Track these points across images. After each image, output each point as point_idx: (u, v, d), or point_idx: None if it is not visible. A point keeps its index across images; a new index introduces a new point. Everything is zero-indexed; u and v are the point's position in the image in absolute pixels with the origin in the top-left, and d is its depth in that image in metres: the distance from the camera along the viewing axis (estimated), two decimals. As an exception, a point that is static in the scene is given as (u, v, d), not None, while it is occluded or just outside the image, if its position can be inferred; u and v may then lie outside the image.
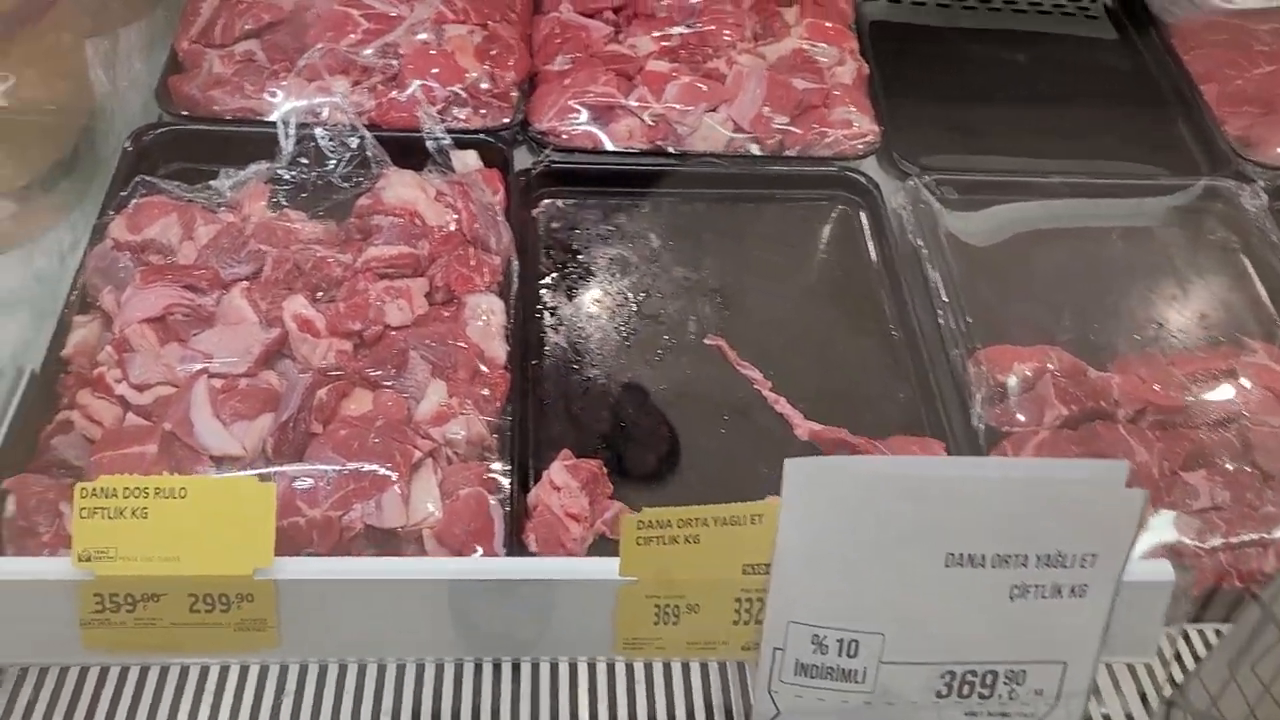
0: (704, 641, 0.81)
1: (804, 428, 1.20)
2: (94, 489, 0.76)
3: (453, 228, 1.26)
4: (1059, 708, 0.82)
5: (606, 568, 0.78)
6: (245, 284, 1.18)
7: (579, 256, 1.39)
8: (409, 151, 1.36)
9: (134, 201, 1.26)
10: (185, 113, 1.41)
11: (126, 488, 0.75)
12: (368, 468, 1.03)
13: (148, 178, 1.29)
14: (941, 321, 1.30)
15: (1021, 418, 1.19)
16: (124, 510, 0.76)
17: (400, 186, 1.27)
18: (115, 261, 1.19)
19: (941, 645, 0.79)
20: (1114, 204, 1.50)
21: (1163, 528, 1.11)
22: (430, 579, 0.76)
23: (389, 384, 1.11)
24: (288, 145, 1.35)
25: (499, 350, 1.18)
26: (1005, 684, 0.81)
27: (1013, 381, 1.22)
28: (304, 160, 1.35)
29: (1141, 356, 1.28)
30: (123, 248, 1.21)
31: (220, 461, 1.03)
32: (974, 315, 1.32)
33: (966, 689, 0.81)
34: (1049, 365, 1.24)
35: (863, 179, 1.46)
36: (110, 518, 0.76)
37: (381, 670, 0.93)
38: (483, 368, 1.16)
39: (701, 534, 0.77)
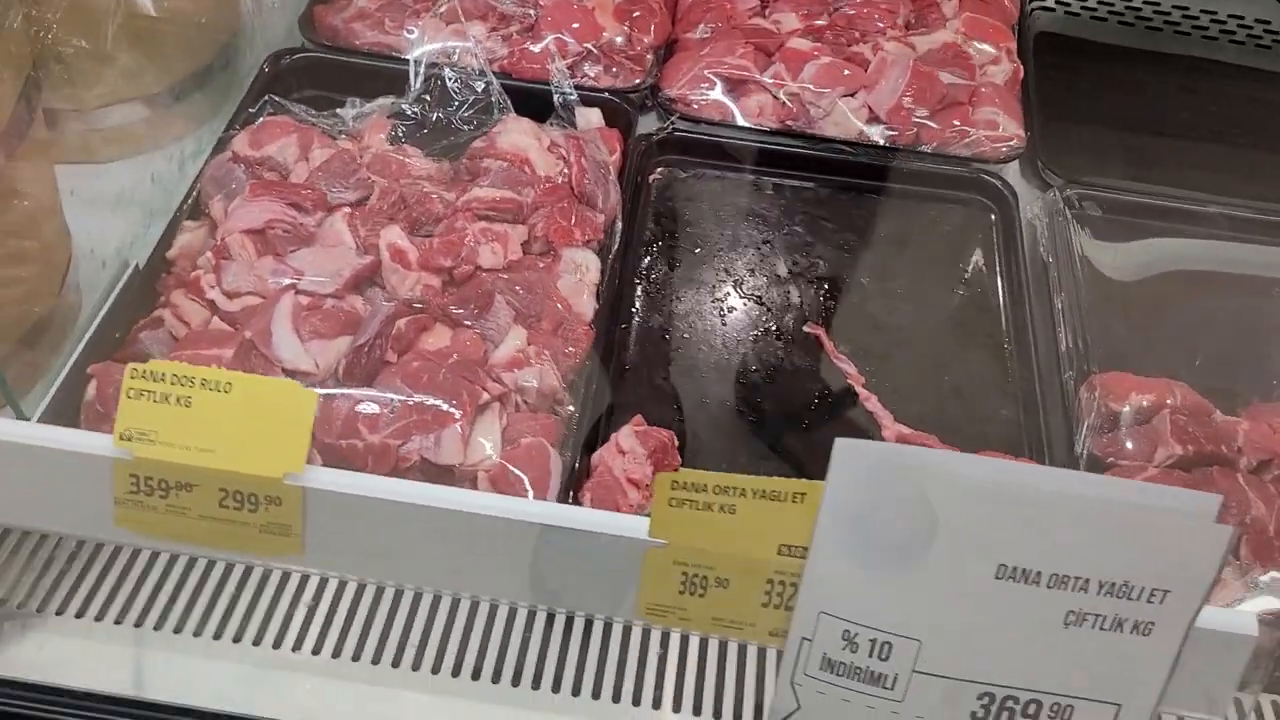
0: (730, 620, 0.77)
1: (892, 429, 1.14)
2: (144, 371, 0.76)
3: (560, 180, 1.24)
4: (1107, 754, 0.75)
5: (635, 525, 0.74)
6: (349, 210, 1.18)
7: (689, 228, 1.35)
8: (534, 103, 1.34)
9: (260, 120, 1.29)
10: (325, 42, 1.43)
11: (175, 374, 0.76)
12: (432, 401, 1.01)
13: (277, 98, 1.32)
14: (1061, 342, 1.22)
15: (1130, 449, 1.11)
16: (169, 396, 0.76)
17: (515, 133, 1.26)
18: (230, 173, 1.21)
19: (982, 664, 0.73)
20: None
21: (1271, 588, 1.01)
22: (453, 509, 0.74)
23: (470, 324, 1.10)
24: (416, 83, 1.35)
25: (587, 307, 1.16)
26: (1049, 717, 0.75)
27: (1126, 411, 1.13)
28: (429, 99, 1.35)
29: (1278, 406, 1.17)
30: (240, 161, 1.23)
31: (292, 375, 1.03)
32: (1097, 341, 1.23)
33: (1005, 716, 0.75)
34: (1170, 400, 1.14)
35: (999, 184, 1.39)
36: (155, 401, 0.76)
37: (398, 595, 0.93)
38: (568, 322, 1.14)
39: (739, 504, 0.73)
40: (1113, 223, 1.37)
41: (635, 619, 0.77)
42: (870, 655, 0.74)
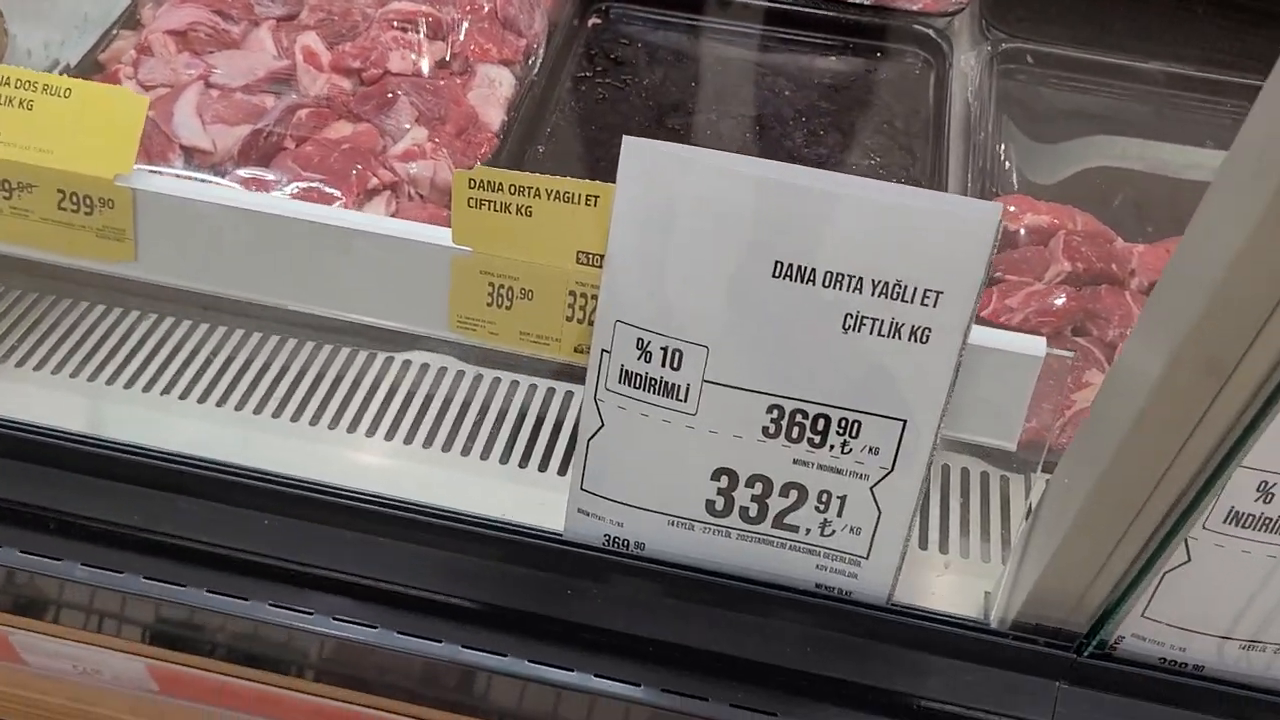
0: (536, 334, 0.79)
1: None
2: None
3: (485, 3, 1.26)
4: (896, 472, 0.76)
5: (440, 234, 0.77)
6: (274, 22, 1.22)
7: (621, 67, 1.37)
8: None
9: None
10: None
11: (18, 79, 0.80)
12: (319, 182, 1.05)
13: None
14: (972, 170, 1.22)
15: (1020, 264, 1.10)
16: (12, 100, 0.80)
17: (446, -41, 1.29)
18: (166, -14, 1.26)
19: (769, 373, 0.74)
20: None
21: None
22: (273, 214, 0.77)
23: (372, 120, 1.13)
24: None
25: (494, 117, 1.18)
26: (838, 434, 0.75)
27: (1023, 231, 1.13)
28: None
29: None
30: (178, -23, 1.27)
31: (189, 153, 1.08)
32: (1010, 171, 1.23)
33: (796, 431, 0.76)
34: (1069, 224, 1.14)
35: (933, 34, 1.38)
36: (1, 105, 0.80)
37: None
38: (473, 128, 1.16)
39: (535, 206, 0.75)
40: (1045, 75, 1.36)
41: (448, 332, 0.79)
42: (663, 365, 0.76)
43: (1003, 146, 1.26)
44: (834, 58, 1.41)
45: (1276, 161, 0.49)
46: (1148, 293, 1.09)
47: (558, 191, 0.74)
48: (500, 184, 0.74)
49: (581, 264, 0.76)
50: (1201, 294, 0.54)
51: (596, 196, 0.74)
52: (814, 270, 0.71)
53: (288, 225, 0.78)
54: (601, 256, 0.75)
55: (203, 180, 1.04)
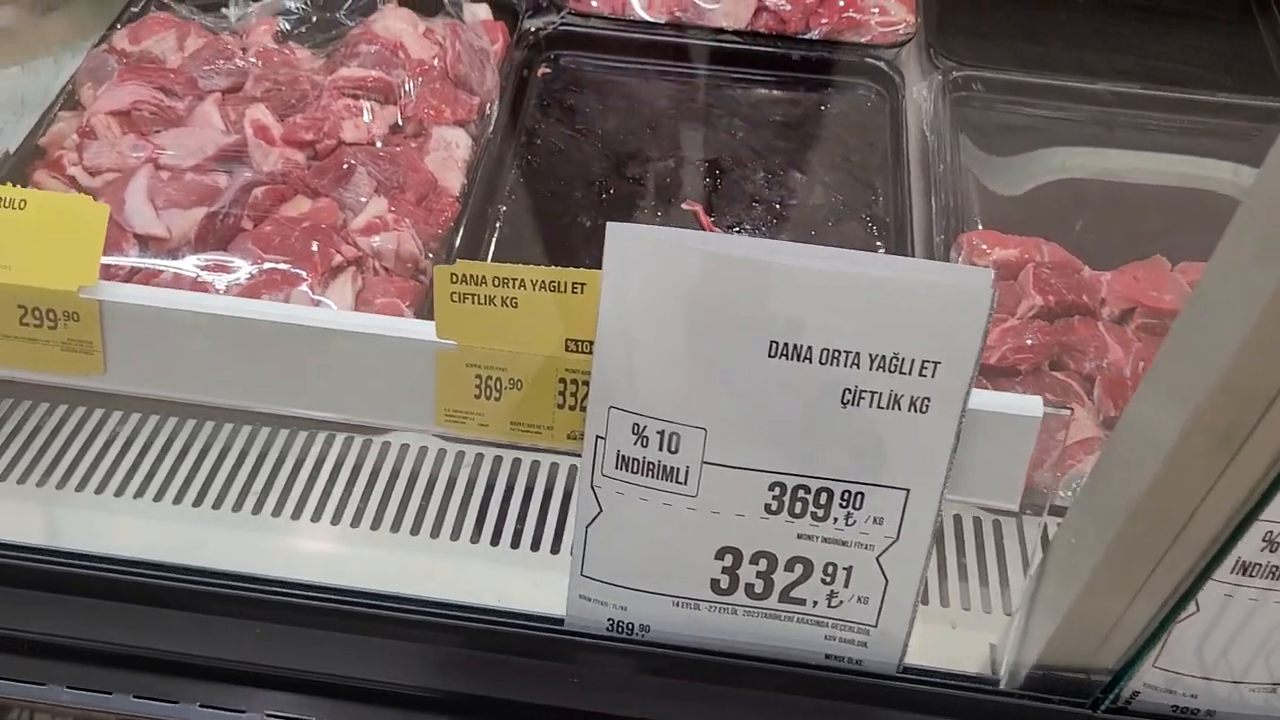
0: (527, 423, 0.77)
1: (759, 293, 1.14)
2: (-58, 194, 0.77)
3: (435, 63, 1.24)
4: (902, 541, 0.75)
5: (423, 328, 0.75)
6: (219, 95, 1.19)
7: (575, 116, 1.36)
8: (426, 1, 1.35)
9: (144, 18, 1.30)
10: (214, -52, 1.44)
11: (-31, 193, 0.77)
12: (283, 264, 1.02)
13: (161, -1, 1.33)
14: (935, 206, 1.22)
15: (991, 303, 1.10)
16: (-35, 215, 0.77)
17: (391, 19, 1.27)
18: (105, 64, 1.22)
19: (768, 451, 0.73)
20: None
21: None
22: (246, 317, 0.75)
23: (329, 194, 1.11)
24: (301, -18, 1.36)
25: (453, 181, 1.17)
26: (841, 506, 0.75)
27: (991, 268, 1.13)
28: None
29: (1148, 261, 1.17)
30: (116, 53, 1.24)
31: (145, 241, 1.05)
32: (971, 206, 1.24)
33: (799, 506, 0.75)
34: (1036, 256, 1.14)
35: (885, 66, 1.39)
36: (-48, 224, 0.77)
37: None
38: (434, 195, 1.14)
39: (520, 297, 0.73)
40: (996, 101, 1.37)
41: (435, 427, 0.77)
42: (661, 449, 0.74)
43: (964, 178, 1.26)
44: (785, 94, 1.41)
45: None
46: (1119, 321, 1.10)
47: (543, 281, 0.72)
48: (483, 276, 0.72)
49: (571, 351, 0.75)
50: (1212, 372, 0.54)
51: (583, 284, 0.72)
52: (810, 349, 0.70)
53: (264, 328, 0.75)
54: (591, 343, 0.73)
55: (162, 267, 1.02)
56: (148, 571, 0.81)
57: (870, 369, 0.70)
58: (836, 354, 0.70)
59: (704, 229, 1.23)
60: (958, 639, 0.89)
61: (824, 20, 1.40)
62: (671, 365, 0.72)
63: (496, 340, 0.75)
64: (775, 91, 1.41)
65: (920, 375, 0.70)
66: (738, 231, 1.23)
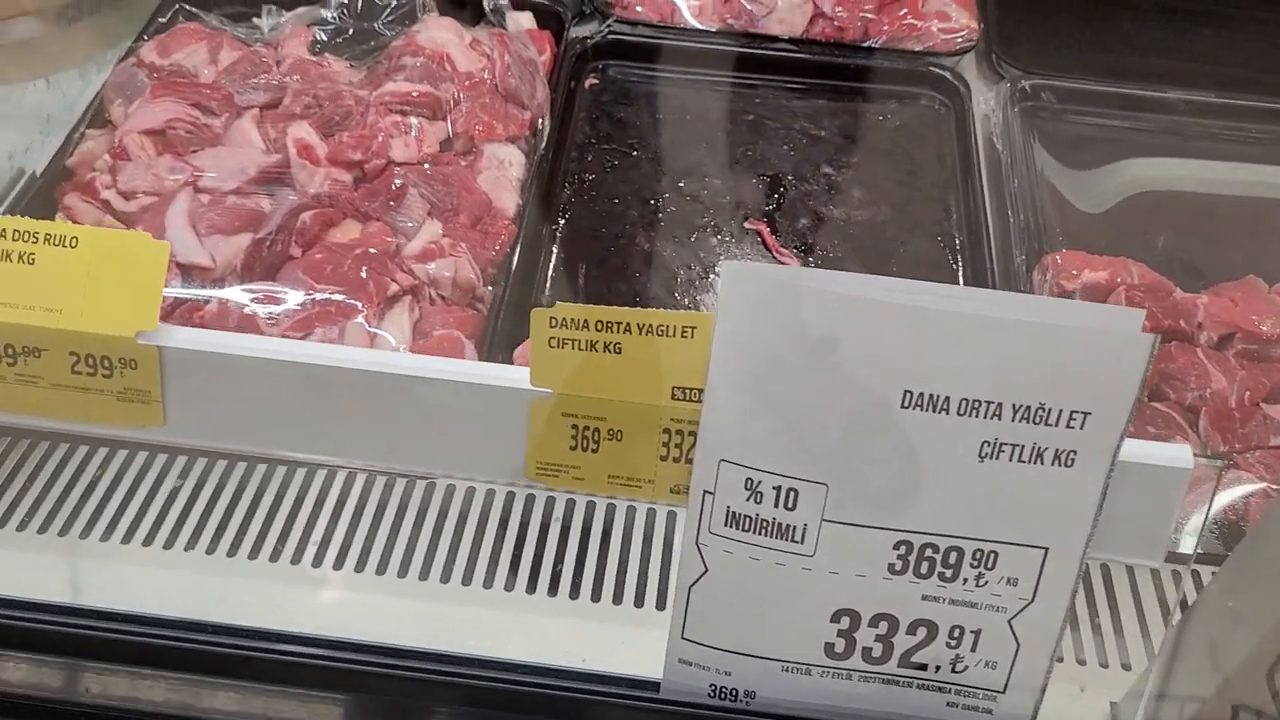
0: (627, 477, 0.71)
1: (833, 318, 1.08)
2: (-15, 230, 0.70)
3: (483, 76, 1.18)
4: (1037, 603, 0.69)
5: (516, 375, 0.69)
6: (257, 111, 1.13)
7: (626, 129, 1.29)
8: (463, 9, 1.29)
9: (171, 29, 1.23)
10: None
11: (16, 230, 0.70)
12: (337, 294, 0.96)
13: (189, 7, 1.26)
14: (1013, 227, 1.16)
15: (1082, 328, 1.04)
16: (10, 254, 0.70)
17: (435, 29, 1.21)
18: (134, 78, 1.16)
19: (896, 508, 0.67)
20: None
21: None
22: (319, 364, 0.68)
23: (380, 218, 1.04)
24: (338, -10, 1.30)
25: (508, 202, 1.10)
26: (972, 566, 0.68)
27: (1080, 290, 1.07)
28: (348, 6, 1.29)
29: (1242, 281, 1.11)
30: (146, 67, 1.17)
31: (188, 271, 0.98)
32: (1051, 224, 1.18)
33: (925, 566, 0.69)
34: (1125, 278, 1.08)
35: (949, 76, 1.33)
36: (-2, 261, 0.70)
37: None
38: (488, 217, 1.08)
39: (624, 342, 0.67)
40: (1066, 112, 1.31)
41: (525, 481, 0.71)
42: (776, 505, 0.68)
43: (1041, 193, 1.20)
44: (844, 104, 1.35)
45: None
46: (1218, 347, 1.04)
47: (650, 325, 0.66)
48: (585, 321, 0.66)
49: (678, 399, 0.68)
50: None
51: (694, 327, 0.66)
52: (948, 399, 0.64)
53: (340, 375, 0.69)
54: (700, 391, 0.67)
55: (208, 297, 0.95)
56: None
57: (1013, 420, 0.64)
58: (976, 404, 0.64)
59: (770, 249, 1.17)
60: (1073, 692, 0.83)
61: (884, 27, 1.34)
62: (791, 415, 0.66)
63: (596, 388, 0.68)
64: (833, 102, 1.35)
65: (1068, 427, 0.64)
66: (803, 251, 1.17)
